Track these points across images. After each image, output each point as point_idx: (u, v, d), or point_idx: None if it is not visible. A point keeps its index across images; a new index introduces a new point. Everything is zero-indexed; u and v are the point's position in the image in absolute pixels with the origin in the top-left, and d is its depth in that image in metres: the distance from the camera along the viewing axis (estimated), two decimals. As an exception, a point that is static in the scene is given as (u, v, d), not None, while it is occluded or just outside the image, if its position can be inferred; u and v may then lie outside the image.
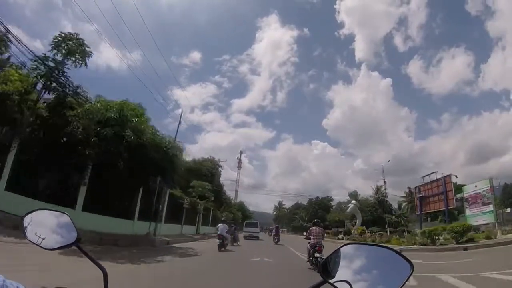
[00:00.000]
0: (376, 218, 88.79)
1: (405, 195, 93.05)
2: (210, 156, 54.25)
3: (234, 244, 20.73)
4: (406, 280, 1.00)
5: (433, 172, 43.20)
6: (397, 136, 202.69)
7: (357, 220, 52.84)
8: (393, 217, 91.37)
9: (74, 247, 1.26)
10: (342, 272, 1.07)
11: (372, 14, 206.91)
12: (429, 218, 47.24)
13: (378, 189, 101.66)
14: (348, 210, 55.36)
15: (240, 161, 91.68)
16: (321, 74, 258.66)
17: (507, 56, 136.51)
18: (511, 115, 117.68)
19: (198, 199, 32.08)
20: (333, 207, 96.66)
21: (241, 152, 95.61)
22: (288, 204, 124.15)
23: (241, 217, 71.26)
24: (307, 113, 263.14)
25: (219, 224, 18.45)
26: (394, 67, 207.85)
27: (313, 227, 12.78)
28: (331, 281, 1.05)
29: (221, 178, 56.46)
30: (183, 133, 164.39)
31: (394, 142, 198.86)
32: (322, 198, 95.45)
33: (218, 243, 16.74)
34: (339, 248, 1.13)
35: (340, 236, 43.81)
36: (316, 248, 11.46)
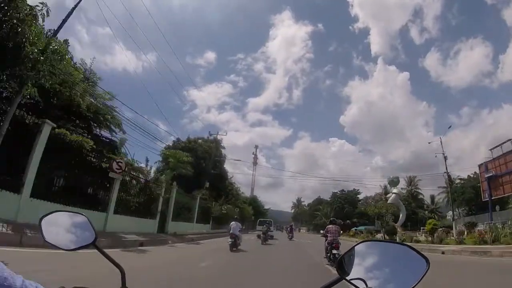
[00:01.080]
0: (409, 213, 78.57)
1: (445, 185, 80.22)
2: (210, 135, 42.68)
3: (234, 248, 16.43)
4: (422, 277, 0.99)
5: (509, 140, 32.24)
6: (415, 131, 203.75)
7: (400, 215, 41.11)
8: (426, 212, 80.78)
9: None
10: (357, 270, 1.08)
11: (386, 6, 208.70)
12: (497, 207, 34.79)
13: (411, 181, 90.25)
14: (389, 201, 43.40)
15: (256, 156, 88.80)
16: (337, 69, 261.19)
17: None
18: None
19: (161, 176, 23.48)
20: (360, 201, 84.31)
21: (256, 147, 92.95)
22: (308, 201, 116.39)
23: (252, 213, 60.65)
24: (323, 110, 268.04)
25: (232, 223, 17.47)
26: (411, 60, 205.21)
27: (330, 225, 13.59)
28: (347, 278, 1.05)
29: (232, 171, 46.92)
30: (199, 131, 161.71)
31: (413, 137, 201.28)
32: (348, 192, 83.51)
33: (230, 242, 15.98)
34: (354, 246, 1.14)
35: (379, 236, 34.75)
36: (333, 245, 12.31)
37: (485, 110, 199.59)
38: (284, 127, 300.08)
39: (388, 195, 45.81)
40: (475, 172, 64.36)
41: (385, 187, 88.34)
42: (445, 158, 35.62)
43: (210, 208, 35.00)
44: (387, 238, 29.84)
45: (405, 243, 1.24)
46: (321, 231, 26.95)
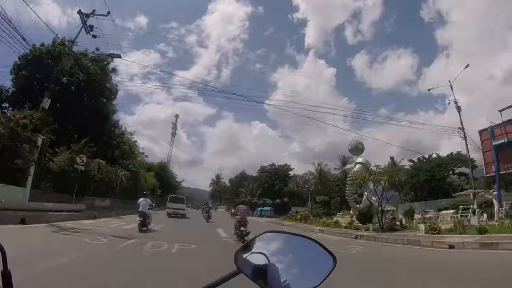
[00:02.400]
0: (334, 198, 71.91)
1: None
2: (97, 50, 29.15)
3: (143, 228, 15.29)
4: (328, 274, 0.99)
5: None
6: (334, 123, 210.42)
7: (365, 193, 29.31)
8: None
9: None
10: (259, 263, 1.02)
11: (328, 2, 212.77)
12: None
13: (345, 161, 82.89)
14: (352, 172, 30.88)
15: (175, 126, 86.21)
16: (269, 55, 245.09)
17: (449, 64, 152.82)
18: (443, 118, 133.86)
19: None
20: (291, 178, 74.94)
21: (177, 116, 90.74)
22: (228, 179, 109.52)
23: (158, 186, 45.58)
24: (250, 93, 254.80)
25: (140, 199, 16.53)
26: (340, 58, 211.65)
27: (240, 205, 15.91)
28: (247, 272, 1.01)
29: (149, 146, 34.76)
30: (118, 101, 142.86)
31: (330, 129, 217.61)
32: (279, 166, 72.03)
33: (138, 221, 15.09)
34: (256, 237, 1.11)
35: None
36: (241, 222, 14.15)
37: (401, 114, 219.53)
38: (209, 104, 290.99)
39: (348, 166, 33.79)
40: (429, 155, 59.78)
41: (343, 157, 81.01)
42: (458, 108, 25.31)
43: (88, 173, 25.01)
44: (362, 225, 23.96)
45: (312, 237, 1.12)
46: (232, 210, 28.84)
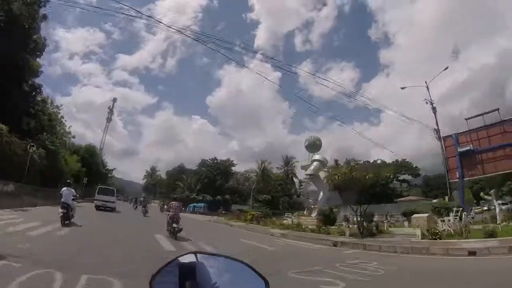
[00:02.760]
0: (278, 197, 70.49)
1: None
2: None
3: (66, 222, 13.95)
4: None
5: (497, 109, 26.95)
6: (273, 126, 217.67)
7: (321, 193, 26.44)
8: (295, 196, 74.68)
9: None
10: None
11: (283, 8, 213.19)
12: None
13: (288, 161, 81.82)
14: (307, 172, 29.32)
15: (111, 111, 78.87)
16: (217, 50, 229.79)
17: (387, 83, 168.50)
18: (376, 130, 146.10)
19: None
20: (232, 174, 71.74)
21: (114, 100, 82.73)
22: (164, 172, 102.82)
23: (84, 172, 39.43)
24: (193, 86, 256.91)
25: (63, 189, 15.13)
26: (286, 63, 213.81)
27: (173, 202, 16.01)
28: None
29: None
30: (56, 80, 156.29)
31: (270, 130, 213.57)
32: (221, 161, 67.87)
33: (61, 213, 13.67)
34: (177, 258, 1.01)
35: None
36: (174, 219, 14.24)
37: (337, 123, 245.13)
38: (149, 93, 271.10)
39: (304, 164, 30.95)
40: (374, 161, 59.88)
41: (287, 157, 78.44)
42: (434, 108, 23.63)
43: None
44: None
45: (243, 260, 1.06)
46: (165, 206, 29.55)
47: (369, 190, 19.32)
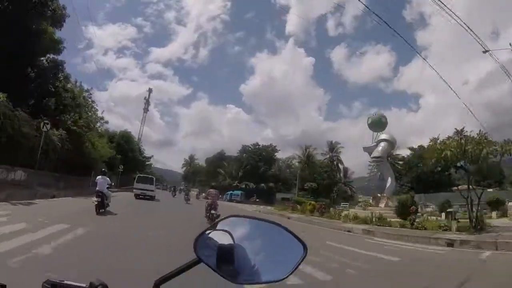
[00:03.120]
0: (324, 185, 65.29)
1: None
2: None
3: (101, 210, 13.70)
4: (299, 264, 0.96)
5: None
6: (308, 113, 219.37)
7: (389, 179, 19.89)
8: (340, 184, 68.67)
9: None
10: (225, 245, 0.96)
11: None
12: None
13: (333, 146, 75.42)
14: (373, 155, 25.10)
15: (148, 102, 79.66)
16: (249, 38, 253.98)
17: (426, 66, 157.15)
18: (415, 116, 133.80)
19: None
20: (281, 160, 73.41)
21: (150, 91, 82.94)
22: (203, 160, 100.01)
23: (119, 159, 42.31)
24: (227, 75, 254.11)
25: (98, 177, 14.94)
26: (320, 48, 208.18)
27: (211, 190, 17.30)
28: (209, 260, 0.94)
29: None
30: (92, 76, 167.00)
31: (305, 118, 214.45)
32: (264, 146, 62.87)
33: (96, 202, 13.36)
34: (218, 221, 1.04)
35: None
36: (212, 206, 14.77)
37: (374, 109, 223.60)
38: (184, 85, 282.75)
39: (368, 146, 25.55)
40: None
41: (331, 142, 73.03)
42: None
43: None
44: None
45: (282, 224, 1.06)
46: (203, 194, 33.65)
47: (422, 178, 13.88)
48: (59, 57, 26.96)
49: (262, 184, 59.22)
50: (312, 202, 27.10)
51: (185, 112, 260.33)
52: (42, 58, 24.26)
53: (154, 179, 32.95)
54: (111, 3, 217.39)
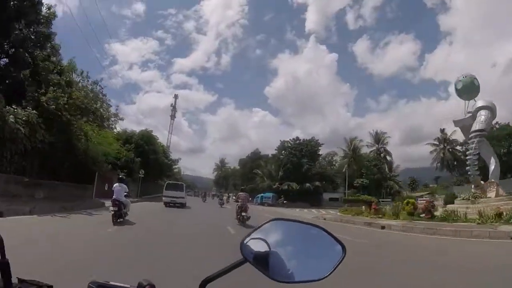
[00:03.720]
0: (375, 181, 57.84)
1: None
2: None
3: (119, 220, 12.32)
4: (338, 265, 0.97)
5: None
6: (335, 110, 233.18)
7: (492, 160, 20.96)
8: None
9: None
10: (261, 250, 0.99)
11: None
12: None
13: (378, 137, 66.17)
14: (479, 126, 20.57)
15: (174, 108, 77.61)
16: (269, 40, 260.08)
17: (452, 51, 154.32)
18: (446, 105, 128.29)
19: None
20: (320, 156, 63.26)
21: (175, 97, 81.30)
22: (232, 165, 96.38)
23: (138, 162, 36.04)
24: (250, 79, 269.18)
25: (115, 184, 13.80)
26: (341, 43, 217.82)
27: (241, 193, 17.07)
28: (252, 260, 0.98)
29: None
30: (119, 91, 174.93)
31: (332, 115, 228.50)
32: (305, 141, 54.41)
33: (112, 211, 12.19)
34: (262, 224, 1.07)
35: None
36: (242, 208, 15.31)
37: (403, 100, 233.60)
38: (209, 92, 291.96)
39: (459, 119, 15.92)
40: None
41: (376, 132, 63.92)
42: None
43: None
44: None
45: (321, 225, 1.08)
46: (233, 197, 32.58)
47: None
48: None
49: (307, 184, 50.28)
50: (411, 201, 18.43)
51: (212, 119, 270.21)
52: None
53: (184, 185, 30.69)
54: (131, 19, 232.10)
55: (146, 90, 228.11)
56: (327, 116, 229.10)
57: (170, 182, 31.45)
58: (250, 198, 22.24)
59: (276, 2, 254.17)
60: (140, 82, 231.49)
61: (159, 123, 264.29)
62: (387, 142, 66.97)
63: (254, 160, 68.46)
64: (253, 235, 1.01)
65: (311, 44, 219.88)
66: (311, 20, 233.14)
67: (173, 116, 76.51)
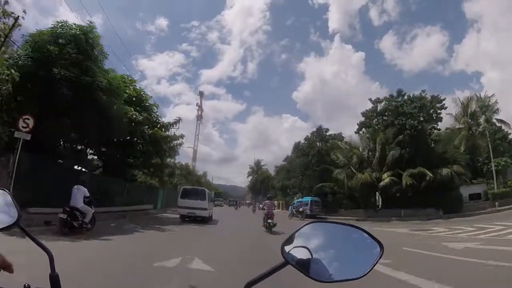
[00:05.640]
0: None
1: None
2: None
3: (65, 229, 10.38)
4: (376, 262, 0.98)
5: None
6: (366, 107, 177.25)
7: None
8: None
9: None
10: (302, 256, 1.01)
11: None
12: None
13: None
14: None
15: (200, 108, 74.34)
16: (294, 44, 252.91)
17: (481, 39, 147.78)
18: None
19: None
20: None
21: (201, 94, 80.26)
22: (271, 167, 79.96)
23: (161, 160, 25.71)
24: (278, 85, 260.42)
25: (74, 186, 11.42)
26: (367, 40, 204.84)
27: (267, 201, 17.54)
28: (293, 262, 1.00)
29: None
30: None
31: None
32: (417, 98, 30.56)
33: (61, 218, 10.33)
34: (300, 228, 1.09)
35: None
36: (268, 215, 15.86)
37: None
38: (238, 101, 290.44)
39: None
40: None
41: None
42: None
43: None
44: None
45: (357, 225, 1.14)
46: (260, 205, 28.00)
47: None
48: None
49: (439, 170, 26.59)
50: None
51: (242, 127, 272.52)
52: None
53: (207, 192, 22.09)
54: (156, 34, 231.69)
55: (176, 103, 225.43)
56: (359, 117, 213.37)
57: (186, 187, 23.78)
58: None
59: (296, 4, 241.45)
60: (169, 95, 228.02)
61: (190, 134, 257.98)
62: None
63: (300, 155, 43.33)
64: (292, 239, 1.01)
65: (336, 44, 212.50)
66: (334, 19, 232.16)
67: (199, 116, 72.29)
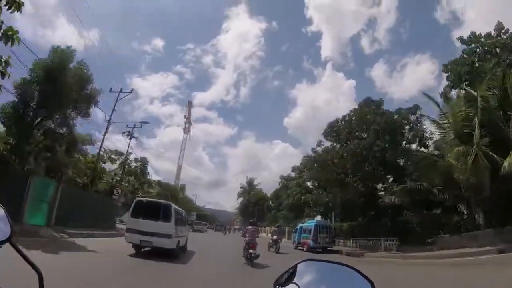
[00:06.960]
0: None
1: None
2: None
3: None
4: None
5: None
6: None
7: None
8: None
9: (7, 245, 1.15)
10: None
11: (341, 12, 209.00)
12: None
13: None
14: None
15: (188, 119, 75.55)
16: (287, 70, 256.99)
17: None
18: None
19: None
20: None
21: (189, 103, 79.29)
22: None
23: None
24: (269, 110, 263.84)
25: None
26: (359, 68, 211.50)
27: (249, 226, 14.92)
28: None
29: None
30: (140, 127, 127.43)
31: None
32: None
33: None
34: (295, 265, 1.11)
35: None
36: (250, 245, 13.09)
37: (426, 122, 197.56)
38: (229, 125, 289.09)
39: None
40: None
41: None
42: None
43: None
44: None
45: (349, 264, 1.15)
46: (241, 231, 27.17)
47: None
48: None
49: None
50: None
51: (233, 151, 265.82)
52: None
53: (173, 208, 13.62)
54: (152, 54, 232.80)
55: (167, 124, 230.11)
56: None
57: (141, 199, 15.58)
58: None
59: (291, 31, 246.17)
60: (161, 116, 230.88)
61: (180, 155, 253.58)
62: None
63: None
64: (284, 277, 1.04)
65: (328, 72, 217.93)
66: (326, 47, 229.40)
67: (186, 130, 71.36)
